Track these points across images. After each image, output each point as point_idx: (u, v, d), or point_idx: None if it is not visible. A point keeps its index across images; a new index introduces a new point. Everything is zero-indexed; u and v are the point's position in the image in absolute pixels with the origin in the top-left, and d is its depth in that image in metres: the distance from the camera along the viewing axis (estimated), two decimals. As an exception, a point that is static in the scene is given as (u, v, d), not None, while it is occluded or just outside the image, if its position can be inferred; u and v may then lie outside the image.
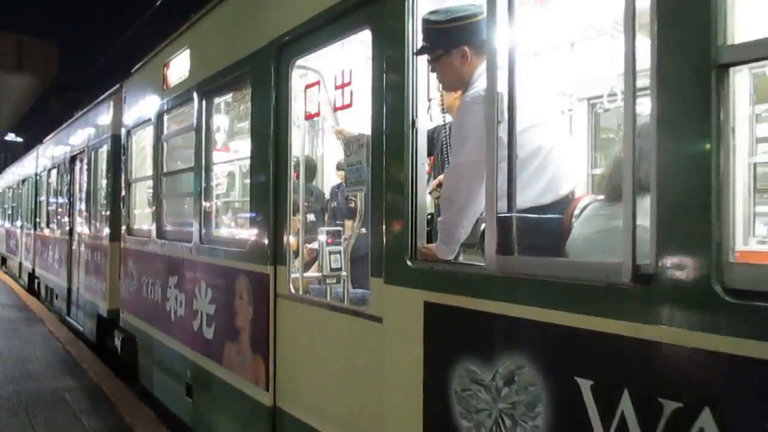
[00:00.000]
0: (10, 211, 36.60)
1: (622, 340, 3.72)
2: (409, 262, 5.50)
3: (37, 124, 68.22)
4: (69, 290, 20.06)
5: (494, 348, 4.61)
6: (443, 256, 5.36)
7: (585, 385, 3.91)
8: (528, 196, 4.96)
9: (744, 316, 3.22)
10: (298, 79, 7.69)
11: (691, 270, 3.43)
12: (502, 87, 4.56)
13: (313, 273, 8.09)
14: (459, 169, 5.19)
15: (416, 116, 5.54)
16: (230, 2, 9.36)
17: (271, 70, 7.80)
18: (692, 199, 3.40)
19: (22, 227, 31.14)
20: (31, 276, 27.60)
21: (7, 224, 37.69)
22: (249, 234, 8.34)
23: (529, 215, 4.83)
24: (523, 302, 4.38)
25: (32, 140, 52.84)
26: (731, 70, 3.34)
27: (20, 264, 31.19)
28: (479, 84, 5.18)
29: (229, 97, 10.26)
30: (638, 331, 3.65)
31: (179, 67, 11.02)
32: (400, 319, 5.56)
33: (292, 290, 7.48)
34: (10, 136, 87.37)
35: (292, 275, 7.56)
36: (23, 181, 31.27)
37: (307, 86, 7.56)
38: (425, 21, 5.44)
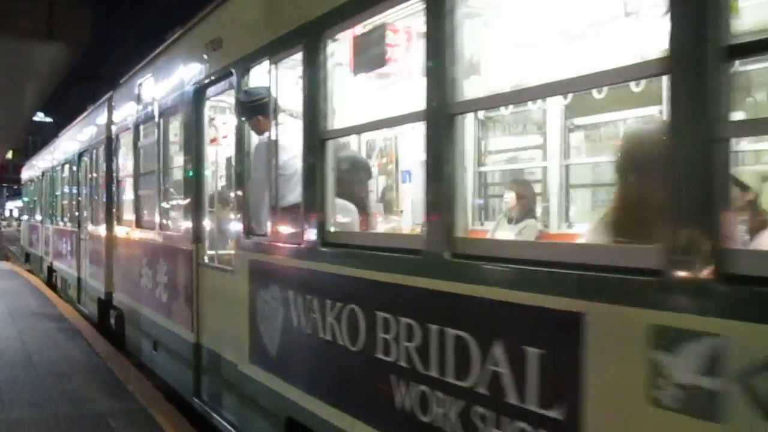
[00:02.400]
0: (32, 205, 36.19)
1: (320, 275, 6.93)
2: (244, 237, 8.76)
3: (66, 104, 64.85)
4: (79, 279, 21.34)
5: (269, 283, 7.89)
6: (259, 232, 8.61)
7: (300, 296, 7.14)
8: (289, 199, 8.15)
9: (465, 269, 5.11)
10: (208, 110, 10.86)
11: (438, 243, 5.35)
12: (277, 136, 7.85)
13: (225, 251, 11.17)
14: (256, 181, 8.48)
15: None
16: (172, 51, 12.48)
17: (192, 104, 10.96)
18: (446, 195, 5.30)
19: (42, 221, 31.09)
20: (50, 269, 27.79)
21: (29, 218, 37.40)
22: (183, 222, 11.51)
23: (288, 209, 8.06)
24: (276, 255, 7.65)
25: (63, 120, 48.66)
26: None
27: (41, 258, 30.66)
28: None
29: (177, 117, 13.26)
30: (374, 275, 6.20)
31: (148, 88, 14.11)
32: (241, 270, 8.86)
33: (206, 260, 10.64)
34: (39, 116, 79.47)
35: (209, 251, 10.73)
36: (42, 174, 31.40)
37: (211, 118, 10.75)
38: (237, 100, 8.71)
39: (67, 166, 24.52)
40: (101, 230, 18.05)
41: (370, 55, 6.76)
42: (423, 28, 5.41)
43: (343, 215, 7.73)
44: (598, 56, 7.21)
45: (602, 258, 4.00)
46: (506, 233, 10.02)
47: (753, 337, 3.18)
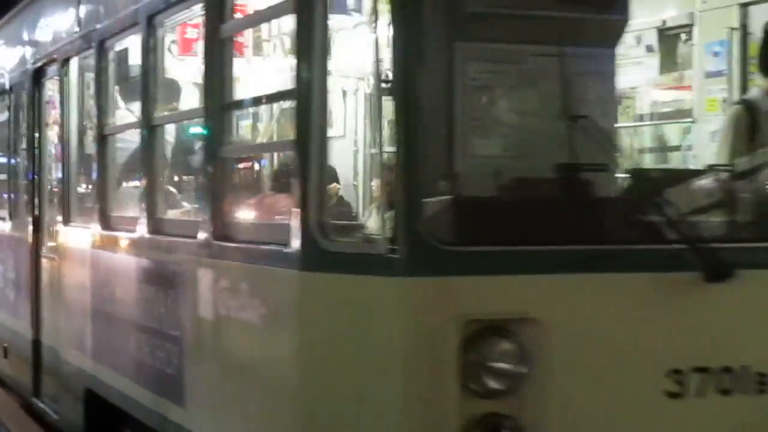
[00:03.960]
0: None
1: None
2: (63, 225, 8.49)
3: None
4: None
5: (73, 269, 7.40)
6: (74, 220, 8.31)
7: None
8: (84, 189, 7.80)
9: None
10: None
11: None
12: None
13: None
14: None
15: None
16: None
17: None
18: None
19: None
20: None
21: None
22: (25, 210, 10.83)
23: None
24: (75, 241, 7.16)
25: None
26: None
27: None
28: None
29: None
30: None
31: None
32: (62, 258, 8.58)
33: (45, 251, 10.00)
34: None
35: (49, 242, 10.10)
36: None
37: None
38: None
39: None
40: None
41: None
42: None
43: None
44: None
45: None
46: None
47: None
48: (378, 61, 4.11)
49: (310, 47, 4.34)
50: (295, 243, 4.40)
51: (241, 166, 5.75)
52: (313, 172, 4.31)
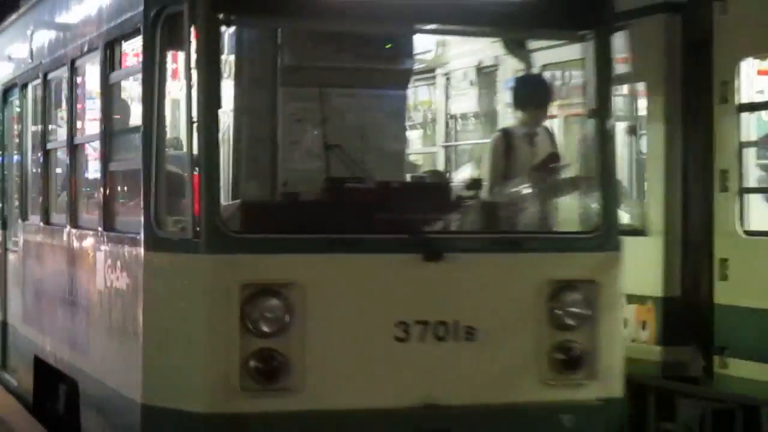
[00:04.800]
0: None
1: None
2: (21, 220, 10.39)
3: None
4: None
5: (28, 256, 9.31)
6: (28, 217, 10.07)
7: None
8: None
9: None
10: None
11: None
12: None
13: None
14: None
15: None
16: None
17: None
18: None
19: None
20: None
21: None
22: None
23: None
24: (29, 234, 9.13)
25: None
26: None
27: None
28: None
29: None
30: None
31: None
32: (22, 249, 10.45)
33: (10, 245, 11.92)
34: None
35: (13, 237, 12.03)
36: None
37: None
38: None
39: None
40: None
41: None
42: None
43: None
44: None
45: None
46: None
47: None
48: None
49: (152, 95, 6.26)
50: (137, 228, 6.35)
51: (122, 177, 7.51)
52: (152, 183, 6.22)
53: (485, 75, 8.96)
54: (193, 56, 5.97)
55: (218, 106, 6.08)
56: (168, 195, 6.25)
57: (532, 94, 7.48)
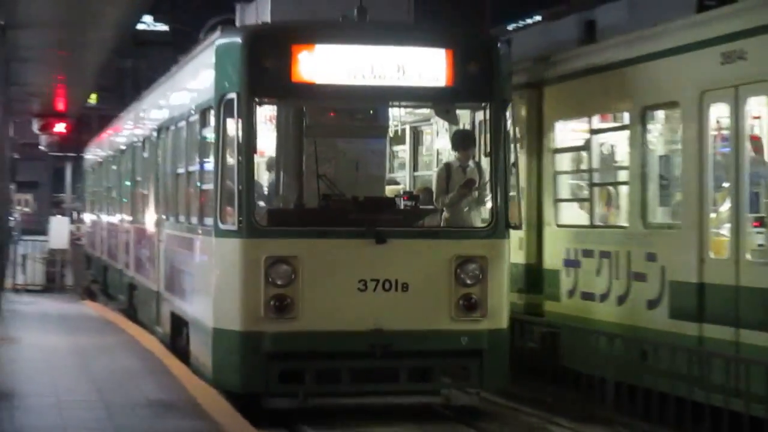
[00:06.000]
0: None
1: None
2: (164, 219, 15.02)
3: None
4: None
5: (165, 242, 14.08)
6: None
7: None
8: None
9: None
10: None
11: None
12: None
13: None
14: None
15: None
16: None
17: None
18: None
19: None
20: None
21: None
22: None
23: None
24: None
25: (182, 23, 36.56)
26: None
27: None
28: None
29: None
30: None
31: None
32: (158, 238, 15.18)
33: (164, 237, 16.70)
34: (147, 21, 51.42)
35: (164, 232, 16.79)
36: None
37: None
38: None
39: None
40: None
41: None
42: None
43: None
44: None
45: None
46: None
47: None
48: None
49: (218, 144, 10.67)
50: (212, 224, 10.81)
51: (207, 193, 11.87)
52: (218, 198, 10.58)
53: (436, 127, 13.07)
54: (240, 122, 10.32)
55: (254, 152, 10.46)
56: (226, 205, 10.56)
57: (463, 141, 11.54)
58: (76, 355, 13.95)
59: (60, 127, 29.37)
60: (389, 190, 12.37)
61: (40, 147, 33.31)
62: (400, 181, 13.26)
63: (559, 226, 12.91)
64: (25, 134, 31.30)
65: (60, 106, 27.87)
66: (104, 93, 43.83)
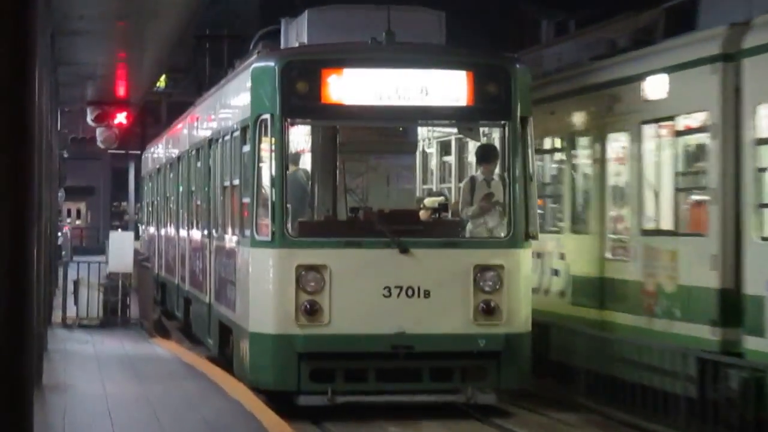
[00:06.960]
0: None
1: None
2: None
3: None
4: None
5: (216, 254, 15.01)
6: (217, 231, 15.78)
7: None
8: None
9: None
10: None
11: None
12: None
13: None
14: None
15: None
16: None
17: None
18: None
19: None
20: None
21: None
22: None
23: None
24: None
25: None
26: None
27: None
28: None
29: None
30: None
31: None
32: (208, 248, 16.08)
33: (216, 244, 17.68)
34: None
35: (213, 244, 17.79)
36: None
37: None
38: None
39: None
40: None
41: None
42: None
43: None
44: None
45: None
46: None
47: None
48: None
49: (253, 161, 11.54)
50: (249, 235, 11.66)
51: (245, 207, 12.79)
52: (254, 210, 11.46)
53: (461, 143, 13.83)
54: (273, 141, 11.19)
55: (286, 168, 11.31)
56: (261, 217, 11.44)
57: (487, 154, 12.28)
58: (144, 407, 11.21)
59: (120, 118, 24.35)
60: (430, 202, 13.11)
61: (96, 143, 27.02)
62: (445, 192, 14.05)
63: (764, 239, 9.96)
64: (77, 127, 26.87)
65: (120, 91, 23.08)
66: (175, 74, 34.17)
